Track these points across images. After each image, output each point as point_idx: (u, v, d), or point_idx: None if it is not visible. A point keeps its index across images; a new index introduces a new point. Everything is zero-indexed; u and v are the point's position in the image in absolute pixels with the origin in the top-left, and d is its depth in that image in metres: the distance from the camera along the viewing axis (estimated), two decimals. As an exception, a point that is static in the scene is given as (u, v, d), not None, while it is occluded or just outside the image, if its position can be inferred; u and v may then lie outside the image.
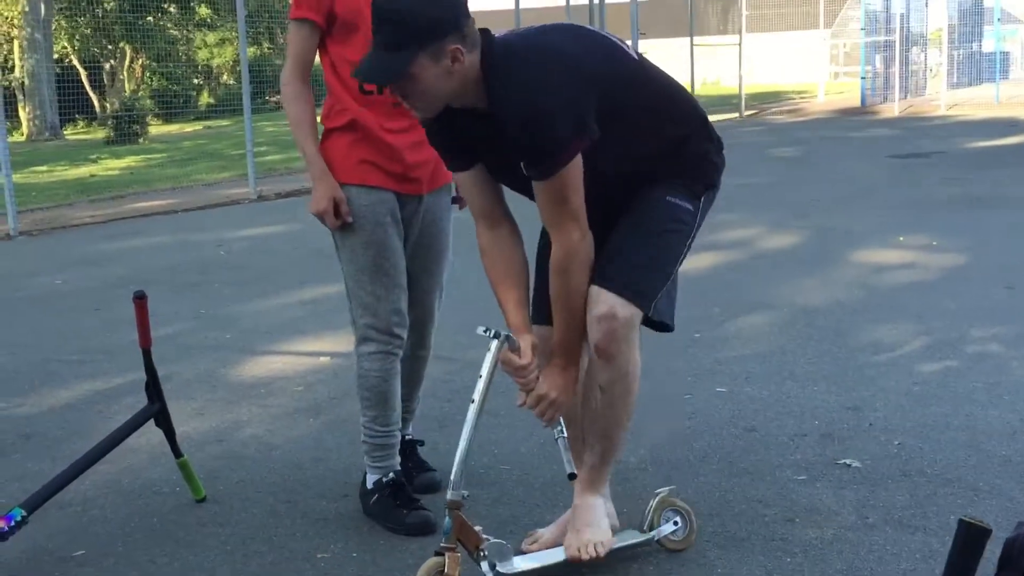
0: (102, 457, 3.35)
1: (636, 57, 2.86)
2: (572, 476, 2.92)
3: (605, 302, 2.77)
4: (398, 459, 3.47)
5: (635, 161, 2.83)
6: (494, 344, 2.73)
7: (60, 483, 3.22)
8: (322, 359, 5.33)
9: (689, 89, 21.86)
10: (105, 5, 27.37)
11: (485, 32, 2.69)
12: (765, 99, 30.21)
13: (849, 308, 5.98)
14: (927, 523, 3.22)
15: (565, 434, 2.93)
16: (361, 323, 3.38)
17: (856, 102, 25.76)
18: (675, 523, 3.04)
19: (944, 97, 24.49)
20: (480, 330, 2.74)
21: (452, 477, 2.69)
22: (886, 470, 3.64)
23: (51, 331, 6.32)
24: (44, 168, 17.66)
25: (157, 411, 3.50)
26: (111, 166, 18.02)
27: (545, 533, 3.08)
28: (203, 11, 29.48)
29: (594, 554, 2.87)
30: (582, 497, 2.99)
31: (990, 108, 22.96)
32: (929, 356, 4.97)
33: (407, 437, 3.68)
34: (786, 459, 3.78)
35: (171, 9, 28.44)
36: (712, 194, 2.97)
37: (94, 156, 19.98)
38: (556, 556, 2.91)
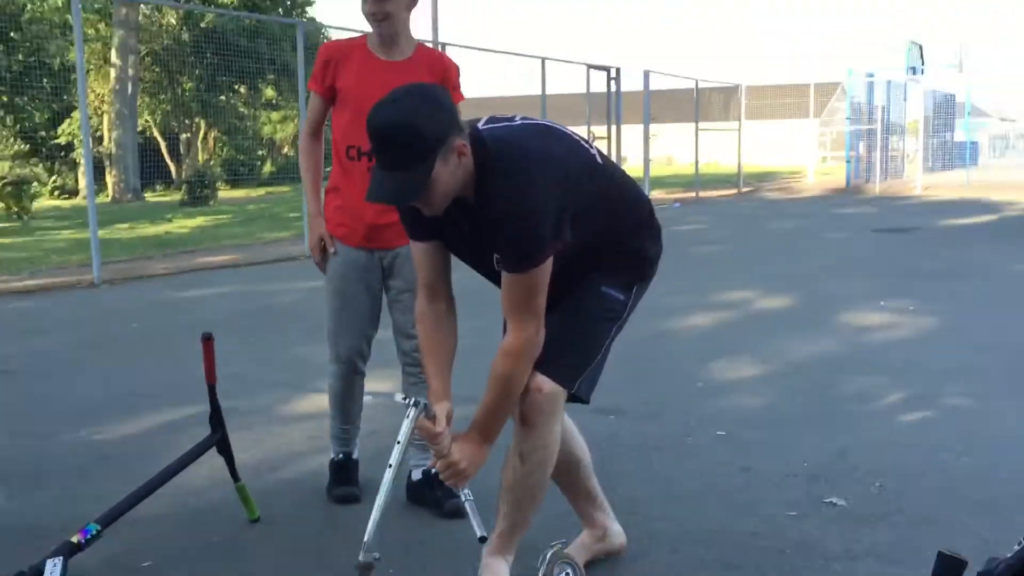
0: (170, 479, 3.35)
1: (601, 160, 2.78)
2: (482, 540, 2.75)
3: (533, 377, 2.69)
4: (354, 448, 3.92)
5: (587, 252, 2.73)
6: (412, 411, 2.62)
7: (132, 501, 3.21)
8: (367, 398, 5.29)
9: (694, 168, 21.89)
10: (184, 85, 27.82)
11: (469, 125, 2.57)
12: (761, 178, 30.28)
13: (836, 363, 5.94)
14: (906, 557, 3.16)
15: (471, 498, 2.77)
16: (329, 348, 3.79)
17: (842, 183, 25.84)
18: (567, 574, 2.90)
19: (920, 179, 24.53)
20: (398, 398, 2.69)
21: (365, 539, 2.55)
22: (869, 509, 3.59)
23: (128, 368, 6.34)
24: (126, 225, 17.82)
25: (219, 439, 3.51)
26: (184, 225, 18.18)
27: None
28: (269, 92, 29.89)
29: None
30: (489, 559, 2.86)
31: (961, 190, 22.96)
32: (908, 407, 4.92)
33: (434, 470, 3.65)
34: (778, 496, 3.73)
35: (241, 90, 28.85)
36: (646, 284, 2.92)
37: (169, 216, 20.16)
38: None
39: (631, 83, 21.02)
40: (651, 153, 21.11)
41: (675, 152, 42.16)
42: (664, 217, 15.40)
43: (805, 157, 33.27)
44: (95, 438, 4.72)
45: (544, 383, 2.70)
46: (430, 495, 3.66)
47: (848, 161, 26.03)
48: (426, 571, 3.01)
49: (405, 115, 2.40)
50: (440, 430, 2.64)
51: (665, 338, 6.85)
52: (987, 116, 47.13)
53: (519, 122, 2.71)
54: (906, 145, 30.48)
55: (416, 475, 3.76)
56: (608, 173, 2.78)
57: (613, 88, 19.67)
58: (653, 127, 20.31)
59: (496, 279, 2.70)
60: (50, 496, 3.92)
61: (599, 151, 2.81)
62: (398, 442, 2.64)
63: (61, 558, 2.88)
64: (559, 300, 2.72)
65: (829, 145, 38.64)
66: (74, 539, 2.97)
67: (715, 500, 3.71)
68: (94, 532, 3.02)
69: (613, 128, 19.79)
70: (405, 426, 2.63)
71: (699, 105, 24.01)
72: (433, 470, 3.62)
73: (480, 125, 2.63)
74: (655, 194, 22.24)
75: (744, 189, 25.38)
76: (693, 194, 23.17)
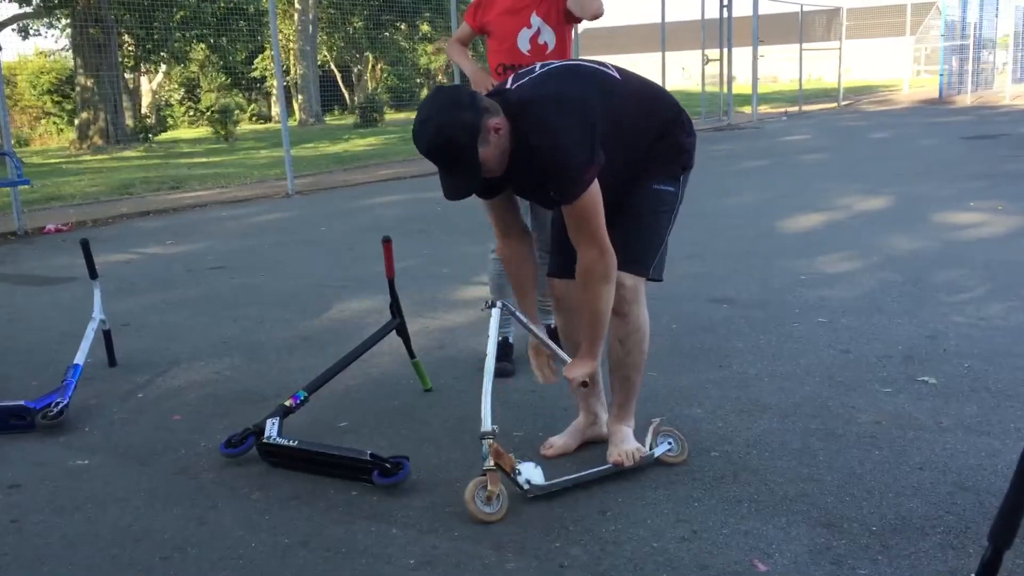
0: (360, 356, 3.47)
1: (619, 76, 2.72)
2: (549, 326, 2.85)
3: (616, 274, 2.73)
4: (511, 329, 3.96)
5: (633, 154, 2.68)
6: (495, 311, 2.74)
7: (331, 374, 3.35)
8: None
9: (798, 85, 20.94)
10: (355, 24, 27.98)
11: (499, 92, 2.60)
12: (859, 92, 28.84)
13: (928, 258, 5.70)
14: (991, 429, 3.06)
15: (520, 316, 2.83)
16: (491, 238, 3.80)
17: (935, 94, 24.42)
18: (669, 443, 2.90)
19: (1009, 90, 22.99)
20: (483, 307, 2.79)
21: (482, 414, 2.59)
22: (957, 386, 3.48)
23: (319, 264, 6.55)
24: (311, 145, 18.23)
25: (398, 324, 3.60)
26: (358, 144, 18.49)
27: (557, 441, 3.03)
28: (424, 28, 29.80)
29: (634, 460, 2.79)
30: (615, 427, 2.90)
31: (1048, 99, 21.39)
32: (994, 297, 4.70)
33: (553, 325, 3.90)
34: (875, 375, 3.64)
35: (402, 27, 28.85)
36: (688, 172, 2.87)
37: (346, 136, 20.53)
38: (573, 475, 2.76)
39: (741, 9, 20.16)
40: (759, 73, 20.28)
41: (780, 71, 40.43)
42: (772, 128, 14.82)
43: (900, 72, 31.48)
44: (296, 322, 4.91)
45: (625, 278, 2.72)
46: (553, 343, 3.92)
47: (941, 74, 24.52)
48: (547, 435, 3.07)
49: (439, 132, 2.44)
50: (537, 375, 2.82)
51: (772, 236, 6.69)
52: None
53: (539, 71, 2.70)
54: (996, 58, 28.48)
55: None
56: (632, 86, 2.73)
57: (725, 14, 18.88)
58: (761, 49, 19.45)
59: (558, 209, 2.74)
60: (264, 368, 4.12)
61: (617, 68, 2.77)
62: (489, 335, 2.72)
63: (278, 418, 3.04)
64: (620, 204, 2.71)
65: (923, 60, 36.36)
66: (287, 403, 3.14)
67: (818, 378, 3.65)
68: (303, 398, 3.18)
69: (725, 51, 19.06)
70: (492, 323, 2.74)
71: (803, 27, 22.88)
72: (554, 325, 3.80)
73: (510, 86, 2.64)
74: (762, 109, 21.45)
75: (844, 102, 24.23)
76: (797, 108, 22.27)
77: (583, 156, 2.51)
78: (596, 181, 2.53)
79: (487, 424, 2.58)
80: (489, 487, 2.56)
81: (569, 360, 2.81)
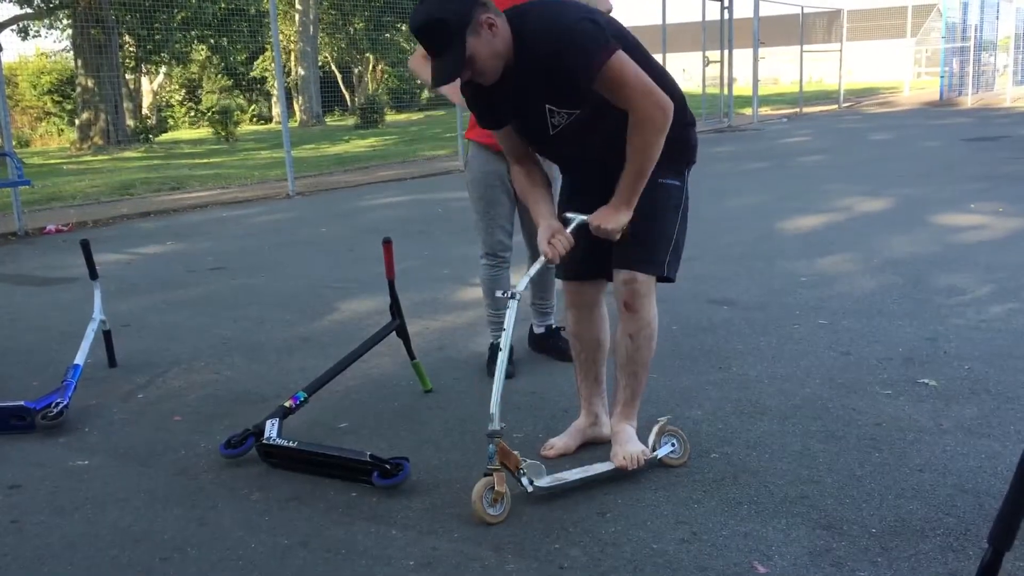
0: (359, 357, 3.46)
1: (633, 39, 2.66)
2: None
3: (627, 272, 2.72)
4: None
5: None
6: (512, 303, 2.67)
7: (331, 374, 3.35)
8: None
9: (798, 87, 20.86)
10: (356, 25, 27.99)
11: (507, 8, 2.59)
12: (860, 94, 28.82)
13: (928, 260, 5.70)
14: (992, 431, 3.06)
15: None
16: (479, 243, 3.89)
17: (935, 96, 24.42)
18: (672, 444, 2.89)
19: (1010, 92, 22.99)
20: (499, 294, 2.75)
21: (491, 411, 2.57)
22: (958, 388, 3.47)
23: (319, 265, 6.55)
24: (311, 146, 18.23)
25: (398, 325, 3.60)
26: (359, 144, 18.48)
27: (558, 442, 3.02)
28: (426, 29, 29.79)
29: (638, 463, 2.78)
30: (619, 426, 2.89)
31: (1049, 101, 21.38)
32: (994, 299, 4.70)
33: (553, 326, 4.13)
34: (875, 377, 3.64)
35: (403, 28, 28.81)
36: (691, 168, 2.85)
37: (346, 137, 20.52)
38: (576, 475, 2.74)
39: (742, 10, 20.18)
40: (759, 74, 20.28)
41: (781, 73, 40.43)
42: (772, 130, 14.79)
43: (901, 74, 31.49)
44: (296, 323, 4.91)
45: (637, 275, 2.73)
46: (552, 344, 4.07)
47: (942, 76, 24.52)
48: (547, 437, 3.07)
49: (429, 12, 2.47)
50: (548, 251, 2.69)
51: (773, 238, 6.69)
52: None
53: None
54: (997, 60, 28.50)
55: (538, 330, 4.13)
56: (644, 51, 2.66)
57: (726, 16, 18.88)
58: (761, 50, 19.46)
59: (557, 144, 2.68)
60: (264, 368, 4.12)
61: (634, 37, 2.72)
62: (504, 329, 2.68)
63: (277, 419, 3.04)
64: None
65: (924, 62, 36.36)
66: (287, 404, 3.14)
67: (818, 380, 3.64)
68: (302, 399, 3.18)
69: (725, 52, 19.07)
70: (508, 316, 2.68)
71: (804, 29, 22.89)
72: (554, 326, 4.03)
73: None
74: (763, 111, 21.45)
75: (845, 104, 24.23)
76: (797, 110, 22.27)
77: (593, 31, 2.45)
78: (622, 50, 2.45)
79: (496, 423, 2.57)
80: (496, 488, 2.56)
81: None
